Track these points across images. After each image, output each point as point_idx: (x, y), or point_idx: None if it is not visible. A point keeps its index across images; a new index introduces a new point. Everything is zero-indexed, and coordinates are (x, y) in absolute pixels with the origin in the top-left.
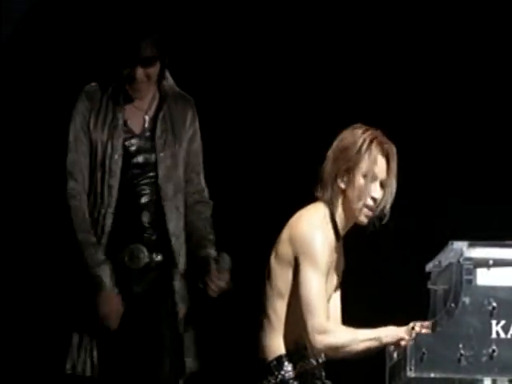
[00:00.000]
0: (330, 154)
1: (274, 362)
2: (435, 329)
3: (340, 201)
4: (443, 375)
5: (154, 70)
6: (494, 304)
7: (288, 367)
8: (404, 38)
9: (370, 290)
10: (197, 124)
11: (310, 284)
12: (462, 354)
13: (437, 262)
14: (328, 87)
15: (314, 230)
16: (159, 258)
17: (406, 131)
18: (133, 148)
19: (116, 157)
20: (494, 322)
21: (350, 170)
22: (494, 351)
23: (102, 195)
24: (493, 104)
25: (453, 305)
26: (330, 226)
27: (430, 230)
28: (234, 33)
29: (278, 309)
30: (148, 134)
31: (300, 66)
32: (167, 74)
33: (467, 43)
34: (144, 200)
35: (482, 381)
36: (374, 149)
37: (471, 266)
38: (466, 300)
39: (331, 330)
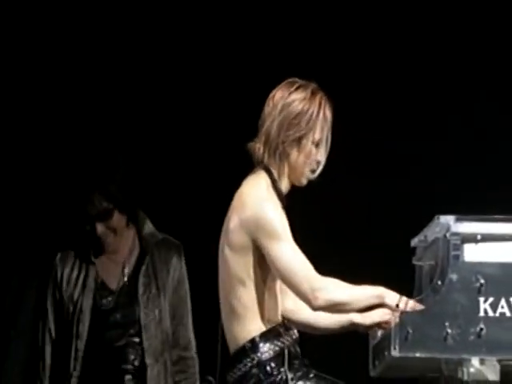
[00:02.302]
0: (274, 117)
1: (249, 345)
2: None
3: (285, 166)
4: (429, 355)
5: (117, 221)
6: (482, 281)
7: (264, 348)
8: None
9: (353, 267)
10: (183, 269)
11: (284, 254)
12: (448, 333)
13: (422, 237)
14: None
15: (262, 203)
16: None
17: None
18: (109, 306)
19: (83, 318)
20: (481, 300)
21: (300, 138)
22: (481, 330)
23: (68, 360)
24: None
25: (439, 282)
26: (274, 194)
27: (415, 202)
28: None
29: (243, 296)
30: (127, 289)
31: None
32: (147, 221)
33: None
34: (127, 364)
35: (469, 361)
36: (328, 115)
37: (458, 242)
38: (453, 277)
39: (328, 285)
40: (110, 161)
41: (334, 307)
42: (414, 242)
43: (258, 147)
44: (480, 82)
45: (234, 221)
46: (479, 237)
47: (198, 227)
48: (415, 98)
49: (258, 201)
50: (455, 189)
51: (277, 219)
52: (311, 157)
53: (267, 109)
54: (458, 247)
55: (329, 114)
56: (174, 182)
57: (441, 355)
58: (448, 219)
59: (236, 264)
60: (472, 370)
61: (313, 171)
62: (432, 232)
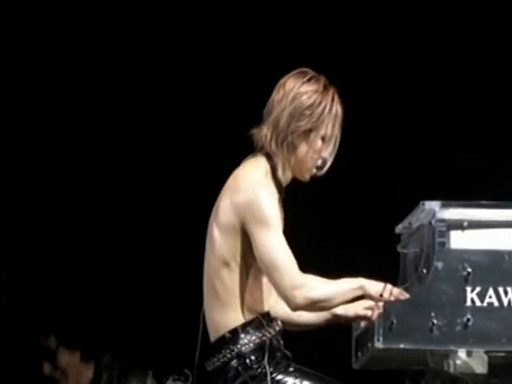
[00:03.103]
0: (285, 106)
1: (229, 335)
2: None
3: (290, 158)
4: (414, 346)
5: (66, 361)
6: (469, 269)
7: (244, 340)
8: None
9: (336, 254)
10: None
11: (270, 244)
12: (434, 324)
13: (407, 224)
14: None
15: (257, 188)
16: None
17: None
18: None
19: None
20: (468, 289)
21: (310, 131)
22: (468, 320)
23: None
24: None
25: (424, 270)
26: (272, 182)
27: (400, 188)
28: None
29: (226, 280)
30: None
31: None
32: (107, 356)
33: None
34: None
35: (455, 352)
36: (339, 111)
37: (444, 228)
38: (439, 265)
39: (309, 283)
40: (57, 301)
41: (315, 305)
42: (399, 228)
43: (264, 134)
44: (473, 75)
45: (225, 201)
46: (466, 223)
47: None
48: (402, 89)
49: (252, 184)
50: (441, 174)
51: (269, 206)
52: (318, 151)
53: (277, 96)
54: (444, 234)
55: (340, 110)
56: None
57: (426, 347)
58: (433, 205)
59: (223, 245)
60: (459, 362)
61: (317, 168)
62: (417, 218)
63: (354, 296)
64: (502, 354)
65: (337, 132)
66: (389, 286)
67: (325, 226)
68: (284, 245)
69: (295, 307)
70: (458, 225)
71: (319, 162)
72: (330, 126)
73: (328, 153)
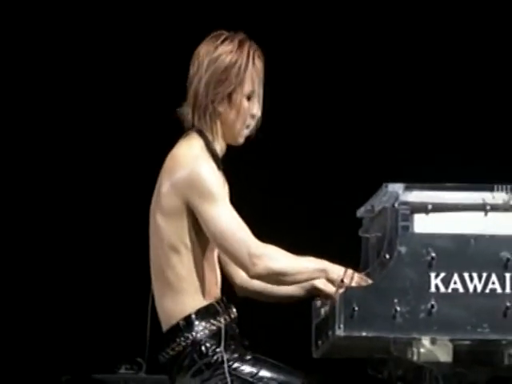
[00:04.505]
0: (201, 76)
1: (183, 323)
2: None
3: (218, 126)
4: (376, 334)
5: None
6: (434, 254)
7: (199, 326)
8: None
9: (295, 238)
10: None
11: (219, 216)
12: (397, 311)
13: (369, 207)
14: None
15: (196, 162)
16: None
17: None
18: None
19: None
20: (433, 275)
21: (231, 94)
22: (433, 307)
23: None
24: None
25: (387, 255)
26: (209, 156)
27: (361, 170)
28: None
29: (178, 267)
30: None
31: None
32: None
33: None
34: None
35: (419, 340)
36: (258, 65)
37: (408, 211)
38: (402, 249)
39: (270, 253)
40: None
41: (273, 277)
42: (360, 212)
43: (186, 112)
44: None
45: (165, 184)
46: (430, 206)
47: None
48: (363, 65)
49: (192, 159)
50: (404, 156)
51: (212, 179)
52: (245, 111)
53: (193, 68)
54: (408, 217)
55: (259, 63)
56: None
57: (389, 334)
58: (396, 187)
59: (169, 230)
60: (423, 350)
61: (248, 127)
62: (379, 201)
63: (315, 277)
64: (467, 342)
65: (259, 86)
66: (350, 272)
67: (283, 209)
68: (235, 215)
69: (254, 275)
70: (422, 208)
71: (251, 122)
72: (249, 82)
73: (256, 109)
